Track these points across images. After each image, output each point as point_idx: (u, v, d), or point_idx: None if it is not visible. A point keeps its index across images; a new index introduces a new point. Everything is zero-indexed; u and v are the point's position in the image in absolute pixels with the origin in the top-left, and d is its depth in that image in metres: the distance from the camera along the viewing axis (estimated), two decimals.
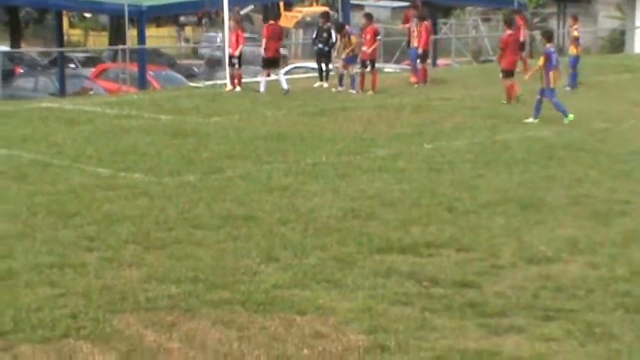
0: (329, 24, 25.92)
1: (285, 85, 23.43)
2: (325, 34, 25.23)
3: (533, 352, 6.99)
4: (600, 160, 14.47)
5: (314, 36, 26.13)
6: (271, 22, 25.11)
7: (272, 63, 24.19)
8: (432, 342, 7.11)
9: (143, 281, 8.48)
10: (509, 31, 22.14)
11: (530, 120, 18.57)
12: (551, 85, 18.55)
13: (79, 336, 7.18)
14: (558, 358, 6.95)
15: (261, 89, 23.48)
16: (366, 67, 23.93)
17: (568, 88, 24.04)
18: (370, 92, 23.39)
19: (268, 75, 24.06)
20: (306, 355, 6.93)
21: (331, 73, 25.67)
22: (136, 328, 7.37)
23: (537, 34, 53.18)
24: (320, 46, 25.32)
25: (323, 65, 25.51)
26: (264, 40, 24.50)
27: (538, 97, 18.76)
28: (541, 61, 18.77)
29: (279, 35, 24.68)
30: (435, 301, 7.98)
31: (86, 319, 7.51)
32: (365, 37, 24.17)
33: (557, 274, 8.76)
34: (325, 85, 24.96)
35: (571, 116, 18.41)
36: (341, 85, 23.93)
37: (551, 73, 18.52)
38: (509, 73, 21.45)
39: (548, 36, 19.68)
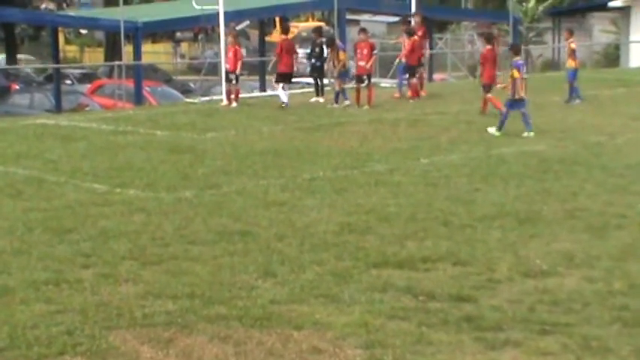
0: (322, 39, 26.03)
1: (284, 99, 23.52)
2: (318, 49, 25.36)
3: None
4: (596, 174, 14.48)
5: (309, 51, 26.24)
6: (284, 37, 25.12)
7: (286, 77, 24.26)
8: (428, 357, 7.10)
9: (140, 297, 8.47)
10: (488, 47, 22.47)
11: (525, 134, 18.64)
12: (516, 97, 19.00)
13: (76, 353, 7.16)
14: None
15: (284, 100, 23.50)
16: (362, 81, 23.99)
17: (578, 101, 24.26)
18: (366, 107, 23.44)
19: (284, 87, 24.09)
20: None
21: (327, 88, 25.73)
22: (132, 344, 7.35)
23: (532, 48, 53.44)
24: (312, 61, 25.42)
25: (318, 80, 25.59)
26: (276, 55, 24.67)
27: (522, 110, 19.04)
28: (516, 73, 19.14)
29: (292, 50, 24.80)
30: (431, 316, 7.97)
31: (82, 335, 7.49)
32: (362, 52, 24.24)
33: (553, 288, 8.76)
34: (321, 100, 25.02)
35: (498, 133, 18.78)
36: (336, 102, 24.00)
37: (520, 84, 19.04)
38: (488, 88, 21.67)
39: (516, 50, 20.20)
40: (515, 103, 19.12)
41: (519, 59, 19.59)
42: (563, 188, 13.38)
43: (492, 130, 18.94)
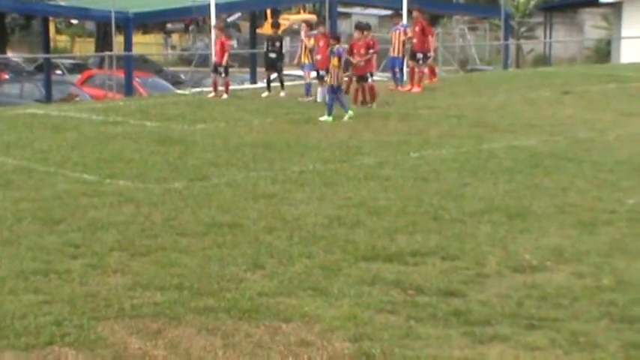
0: (280, 34, 26.00)
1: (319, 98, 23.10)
2: (278, 44, 25.12)
3: None
4: (586, 170, 14.49)
5: (266, 45, 25.65)
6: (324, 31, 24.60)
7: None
8: (416, 350, 7.10)
9: (128, 288, 8.46)
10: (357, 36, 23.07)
11: (325, 118, 19.81)
12: (334, 84, 20.19)
13: (64, 343, 7.15)
14: None
15: (318, 99, 23.13)
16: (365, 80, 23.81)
17: None
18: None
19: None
20: None
21: (300, 84, 25.56)
22: (120, 335, 7.35)
23: (524, 43, 53.49)
24: (272, 55, 25.05)
25: (273, 74, 25.33)
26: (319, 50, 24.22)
27: (339, 97, 20.19)
28: (335, 61, 20.29)
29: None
30: (420, 310, 7.98)
31: (71, 326, 7.48)
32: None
33: (542, 283, 8.77)
34: (282, 94, 24.74)
35: (351, 112, 20.09)
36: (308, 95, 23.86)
37: (341, 72, 20.29)
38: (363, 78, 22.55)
39: (337, 38, 21.32)
40: (334, 89, 20.17)
41: (340, 47, 20.54)
42: (553, 183, 13.39)
43: (324, 118, 19.85)
